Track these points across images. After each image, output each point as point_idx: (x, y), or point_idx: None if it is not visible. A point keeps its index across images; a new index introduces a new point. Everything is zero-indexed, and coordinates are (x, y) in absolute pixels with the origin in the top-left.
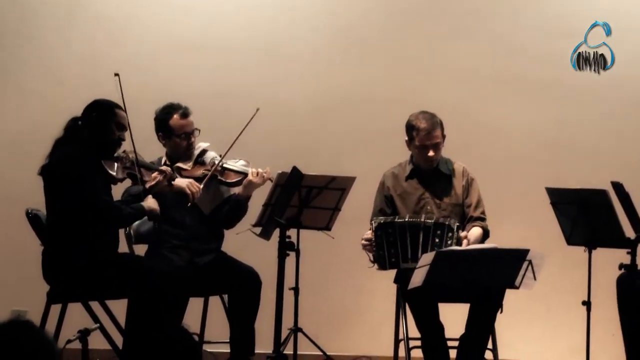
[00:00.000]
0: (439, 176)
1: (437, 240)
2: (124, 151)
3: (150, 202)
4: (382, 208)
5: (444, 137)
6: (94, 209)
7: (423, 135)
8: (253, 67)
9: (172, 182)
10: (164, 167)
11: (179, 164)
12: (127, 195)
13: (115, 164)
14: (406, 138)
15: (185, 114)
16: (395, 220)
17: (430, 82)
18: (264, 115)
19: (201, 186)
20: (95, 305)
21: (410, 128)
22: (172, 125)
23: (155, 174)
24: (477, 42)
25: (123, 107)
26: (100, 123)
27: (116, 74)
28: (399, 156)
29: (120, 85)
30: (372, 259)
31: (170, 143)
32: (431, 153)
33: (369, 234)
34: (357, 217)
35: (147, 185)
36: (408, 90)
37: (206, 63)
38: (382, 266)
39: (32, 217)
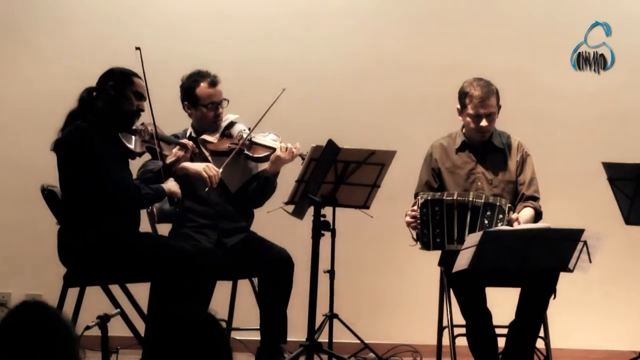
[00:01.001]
0: (492, 150)
1: (486, 221)
2: (143, 124)
3: (171, 185)
4: (428, 181)
5: (499, 107)
6: (109, 188)
7: (477, 102)
8: (285, 31)
9: (189, 166)
10: (185, 141)
11: (205, 136)
12: (144, 171)
13: (134, 137)
14: (458, 106)
15: (213, 82)
16: (444, 197)
17: (481, 46)
18: (297, 84)
19: (220, 170)
20: (115, 289)
21: (463, 95)
22: (199, 94)
23: (176, 149)
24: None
25: (142, 77)
26: (116, 93)
27: (137, 48)
28: (445, 128)
29: (142, 60)
30: (415, 237)
31: (197, 113)
32: (484, 123)
33: (414, 209)
34: (397, 195)
35: (168, 161)
36: (458, 55)
37: (233, 29)
38: (426, 246)
39: (48, 194)
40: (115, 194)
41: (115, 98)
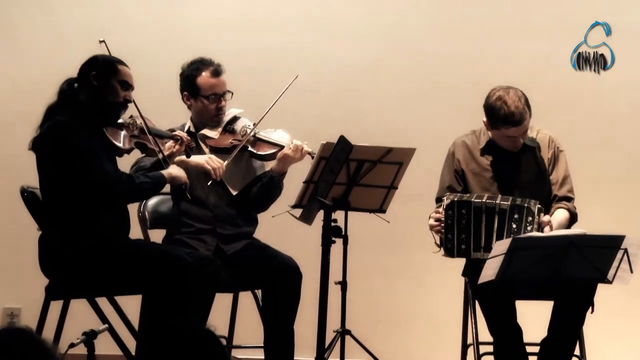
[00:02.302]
0: (522, 149)
1: (514, 226)
2: (131, 116)
3: (172, 169)
4: (451, 185)
5: (530, 115)
6: (98, 180)
7: (510, 129)
8: (294, 16)
9: (188, 159)
10: (179, 133)
11: (205, 131)
12: (137, 168)
13: (121, 133)
14: (484, 119)
15: (217, 71)
16: (472, 199)
17: (506, 33)
18: (307, 76)
19: (225, 163)
20: (103, 302)
21: (491, 113)
22: (201, 83)
23: (170, 143)
24: None
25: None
26: (100, 83)
27: (102, 41)
28: (470, 122)
29: (109, 53)
30: (438, 242)
31: (197, 105)
32: (519, 142)
33: (439, 212)
34: (417, 197)
35: (160, 157)
36: (481, 43)
37: (236, 13)
38: (449, 252)
39: (29, 196)
40: (105, 186)
41: (99, 89)
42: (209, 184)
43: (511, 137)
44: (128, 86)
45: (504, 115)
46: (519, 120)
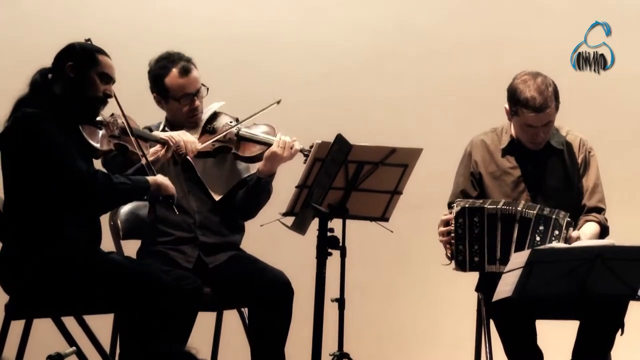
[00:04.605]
0: (548, 151)
1: (537, 238)
2: (113, 114)
3: (159, 176)
4: (464, 189)
5: (557, 108)
6: (69, 177)
7: (532, 115)
8: (285, 1)
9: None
10: (167, 136)
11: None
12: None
13: (99, 132)
14: (506, 106)
15: (185, 69)
16: (486, 205)
17: (506, 33)
18: (300, 67)
19: (199, 145)
20: (70, 322)
21: (514, 97)
22: (169, 84)
23: (156, 148)
24: None
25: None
26: (77, 75)
27: (87, 40)
28: (483, 121)
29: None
30: (449, 254)
31: (168, 107)
32: (540, 136)
33: (448, 215)
34: (423, 204)
35: (144, 162)
36: (500, 27)
37: None
38: (461, 266)
39: None
40: (77, 183)
41: (76, 81)
42: (175, 163)
43: (531, 128)
44: (109, 79)
45: (525, 97)
46: (540, 106)
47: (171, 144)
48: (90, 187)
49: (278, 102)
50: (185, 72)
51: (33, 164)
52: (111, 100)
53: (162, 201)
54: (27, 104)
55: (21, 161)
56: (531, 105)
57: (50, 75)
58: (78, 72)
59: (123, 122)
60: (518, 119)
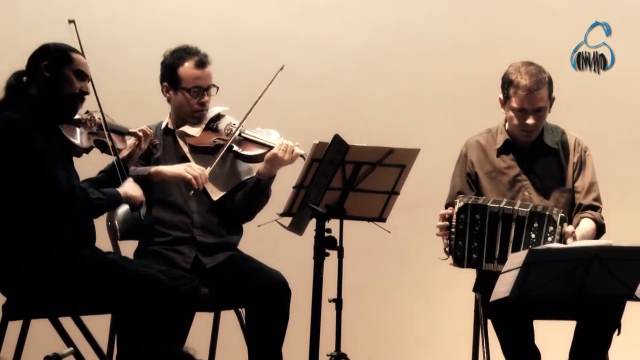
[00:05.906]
0: (543, 151)
1: (532, 236)
2: (88, 111)
3: (128, 187)
4: (461, 190)
5: (551, 100)
6: (48, 192)
7: (522, 95)
8: (283, 0)
9: (164, 170)
10: (141, 129)
11: (184, 128)
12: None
13: (78, 130)
14: (500, 96)
15: (202, 62)
16: (488, 204)
17: (506, 33)
18: (298, 67)
19: (208, 170)
20: (67, 323)
21: (507, 83)
22: (183, 74)
23: (131, 141)
24: None
25: (81, 52)
26: (52, 74)
27: (71, 21)
28: (480, 122)
29: (78, 35)
30: (447, 249)
31: (177, 98)
32: (531, 120)
33: (450, 213)
34: (421, 204)
35: (121, 155)
36: (500, 27)
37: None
38: (459, 262)
39: None
40: (56, 197)
41: (52, 80)
42: (190, 194)
43: (523, 114)
44: (84, 76)
45: (517, 78)
46: (532, 85)
47: (147, 133)
48: (68, 204)
49: (281, 68)
50: (202, 64)
51: (14, 173)
52: (88, 97)
53: (131, 208)
54: (6, 107)
55: (4, 169)
56: (523, 86)
57: (25, 78)
58: (53, 71)
59: (99, 118)
60: (510, 104)
